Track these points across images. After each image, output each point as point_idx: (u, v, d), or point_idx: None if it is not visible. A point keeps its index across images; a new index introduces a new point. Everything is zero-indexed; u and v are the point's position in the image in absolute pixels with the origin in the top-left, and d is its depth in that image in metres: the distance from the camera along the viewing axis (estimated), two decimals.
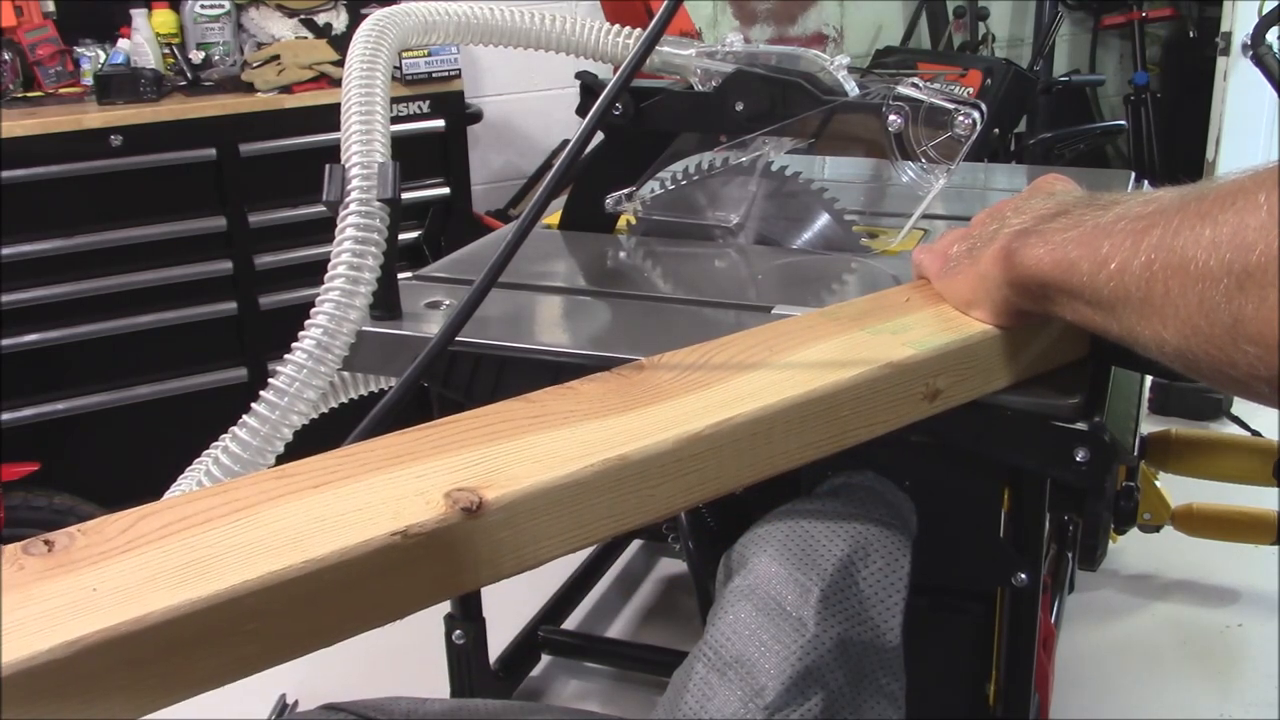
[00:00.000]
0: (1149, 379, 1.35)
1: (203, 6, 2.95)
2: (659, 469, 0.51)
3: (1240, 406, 1.38)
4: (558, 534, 0.48)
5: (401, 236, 0.79)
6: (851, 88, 0.90)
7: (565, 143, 0.66)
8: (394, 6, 0.87)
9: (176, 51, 2.93)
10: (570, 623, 1.07)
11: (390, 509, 0.44)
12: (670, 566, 1.17)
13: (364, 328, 0.77)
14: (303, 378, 0.74)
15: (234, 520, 0.43)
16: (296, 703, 0.67)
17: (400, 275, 0.83)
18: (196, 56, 2.95)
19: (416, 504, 0.44)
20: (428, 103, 2.94)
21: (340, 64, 0.95)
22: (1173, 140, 4.54)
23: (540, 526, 0.47)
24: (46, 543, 0.42)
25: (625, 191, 0.99)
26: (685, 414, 0.53)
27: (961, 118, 0.86)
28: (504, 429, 0.51)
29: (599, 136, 0.98)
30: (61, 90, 2.86)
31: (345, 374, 0.81)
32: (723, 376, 0.58)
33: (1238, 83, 3.91)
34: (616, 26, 0.92)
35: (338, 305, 0.75)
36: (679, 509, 0.53)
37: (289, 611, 0.41)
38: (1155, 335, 0.51)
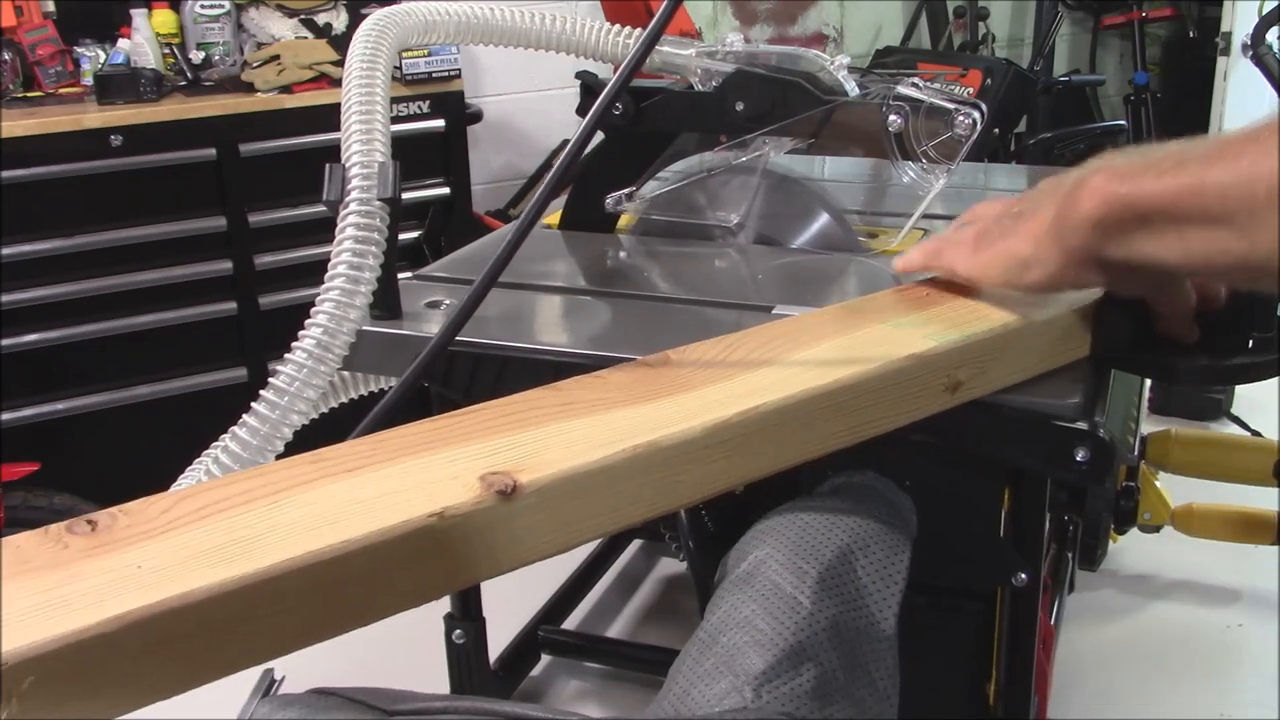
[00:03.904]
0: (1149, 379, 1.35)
1: (203, 6, 2.95)
2: (688, 455, 0.51)
3: (1240, 406, 1.38)
4: (590, 517, 0.49)
5: (401, 236, 0.79)
6: (851, 88, 0.90)
7: (565, 143, 0.66)
8: (394, 6, 0.87)
9: (176, 51, 2.93)
10: (570, 623, 1.07)
11: (425, 492, 0.44)
12: (670, 566, 1.17)
13: (364, 327, 0.77)
14: (303, 377, 0.74)
15: (272, 502, 0.44)
16: (284, 678, 0.67)
17: (400, 275, 0.83)
18: (196, 56, 2.95)
19: (452, 487, 0.45)
20: (428, 103, 2.94)
21: (340, 64, 0.95)
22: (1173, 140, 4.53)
23: (573, 510, 0.48)
24: (90, 522, 0.42)
25: (625, 191, 0.99)
26: (713, 402, 0.54)
27: (961, 118, 0.86)
28: (534, 416, 0.52)
29: (599, 136, 0.98)
30: (61, 90, 2.86)
31: (345, 374, 0.81)
32: (747, 368, 0.59)
33: (1238, 83, 3.91)
34: (616, 26, 0.92)
35: (337, 305, 0.75)
36: (706, 495, 0.54)
37: (328, 591, 0.41)
38: None
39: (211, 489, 0.45)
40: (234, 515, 0.43)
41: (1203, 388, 1.37)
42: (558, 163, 0.64)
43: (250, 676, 0.67)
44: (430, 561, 0.44)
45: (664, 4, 0.62)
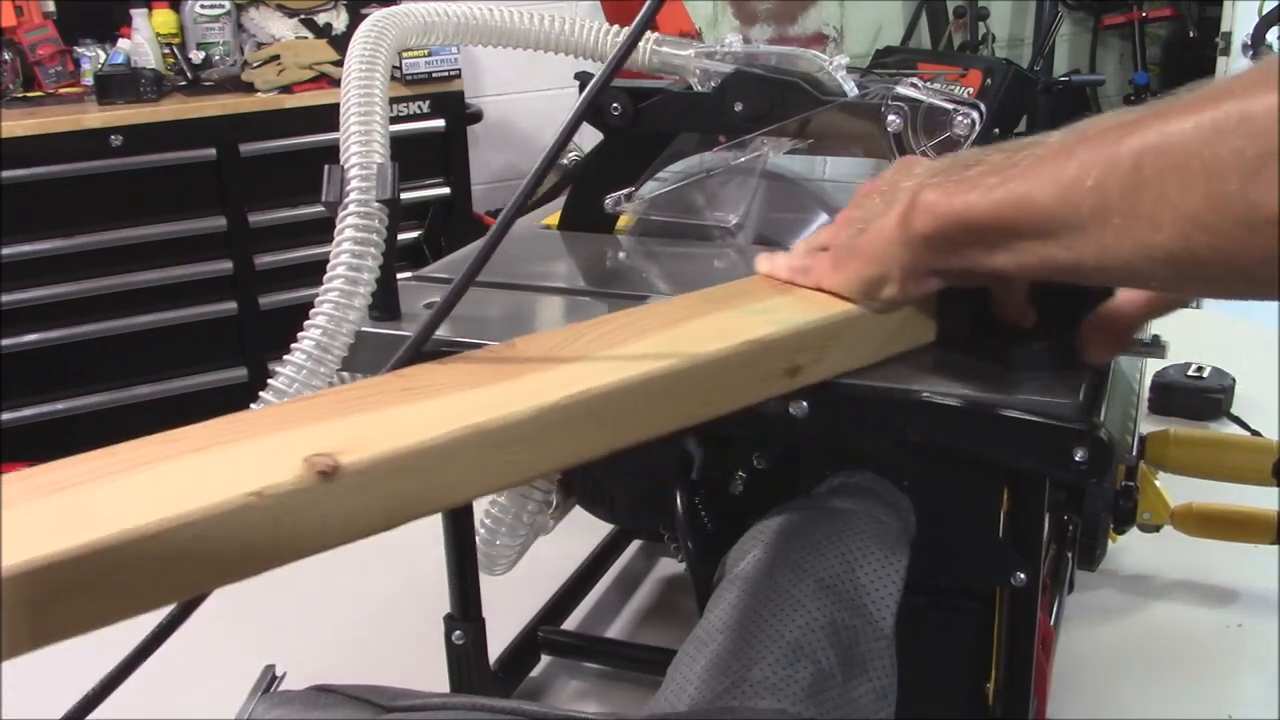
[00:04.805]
0: (1149, 379, 1.35)
1: (203, 6, 2.95)
2: (514, 437, 0.53)
3: (1240, 406, 1.38)
4: (414, 496, 0.51)
5: (401, 236, 0.79)
6: (851, 88, 0.90)
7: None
8: (394, 7, 0.87)
9: (176, 51, 2.93)
10: (570, 623, 1.07)
11: (253, 471, 0.47)
12: (669, 567, 1.17)
13: (363, 328, 0.77)
14: (301, 378, 0.74)
15: (111, 479, 0.46)
16: (285, 675, 0.67)
17: (400, 276, 0.83)
18: (196, 56, 2.96)
19: (276, 467, 0.47)
20: (428, 103, 2.95)
21: (340, 64, 0.95)
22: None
23: (395, 489, 0.50)
24: None
25: (624, 192, 0.99)
26: (545, 387, 0.56)
27: (960, 118, 0.86)
28: (373, 401, 0.55)
29: (598, 138, 0.98)
30: (61, 90, 2.86)
31: (344, 374, 0.81)
32: (590, 353, 0.61)
33: None
34: (616, 27, 0.92)
35: (336, 306, 0.75)
36: (541, 474, 0.56)
37: (155, 565, 0.43)
38: (1142, 245, 0.49)
39: (54, 469, 0.47)
40: (72, 491, 0.45)
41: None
42: (546, 151, 0.65)
43: (250, 675, 0.68)
44: (256, 537, 0.46)
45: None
